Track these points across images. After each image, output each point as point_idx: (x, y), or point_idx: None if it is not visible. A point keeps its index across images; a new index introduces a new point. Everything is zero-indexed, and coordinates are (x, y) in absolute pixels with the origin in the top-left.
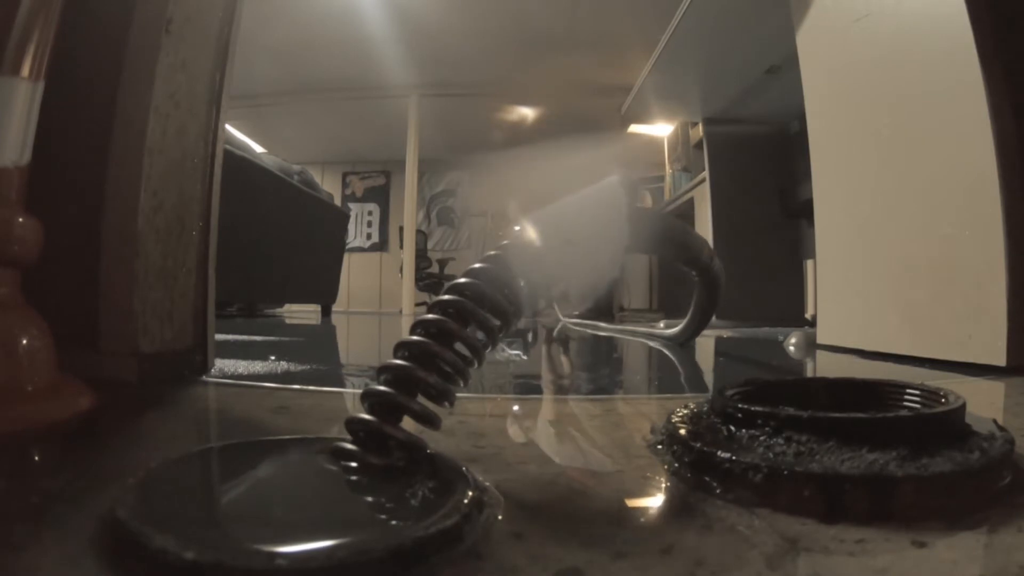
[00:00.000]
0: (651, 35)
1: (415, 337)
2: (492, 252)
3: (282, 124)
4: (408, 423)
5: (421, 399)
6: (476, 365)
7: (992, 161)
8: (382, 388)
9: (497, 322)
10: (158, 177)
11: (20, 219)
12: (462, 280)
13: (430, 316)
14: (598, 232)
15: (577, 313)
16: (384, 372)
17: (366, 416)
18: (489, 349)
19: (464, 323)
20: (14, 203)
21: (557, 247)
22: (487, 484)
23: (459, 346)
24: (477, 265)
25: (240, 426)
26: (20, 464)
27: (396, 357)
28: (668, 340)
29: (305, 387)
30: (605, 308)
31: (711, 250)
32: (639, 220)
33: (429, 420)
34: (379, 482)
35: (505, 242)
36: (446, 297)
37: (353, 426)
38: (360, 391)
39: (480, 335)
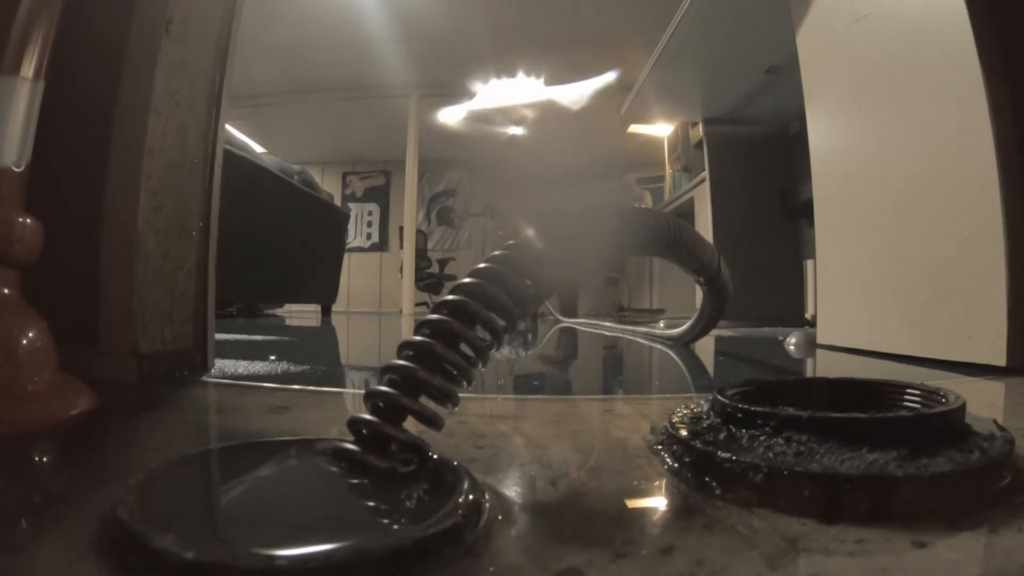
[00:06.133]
0: (651, 35)
1: (419, 337)
2: (497, 252)
3: (282, 124)
4: (410, 423)
5: (424, 399)
6: (480, 366)
7: (992, 161)
8: (385, 388)
9: (502, 323)
10: (158, 177)
11: (20, 219)
12: (467, 280)
13: (434, 316)
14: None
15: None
16: (387, 372)
17: (368, 416)
18: (494, 350)
19: (469, 323)
20: (14, 203)
21: (559, 247)
22: (487, 484)
23: (463, 346)
24: (482, 265)
25: (240, 426)
26: (20, 464)
27: (400, 357)
28: (671, 340)
29: (305, 387)
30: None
31: (720, 260)
32: (646, 223)
33: (431, 421)
34: (379, 483)
35: (510, 242)
36: (451, 297)
37: (355, 426)
38: (360, 391)
39: (485, 335)
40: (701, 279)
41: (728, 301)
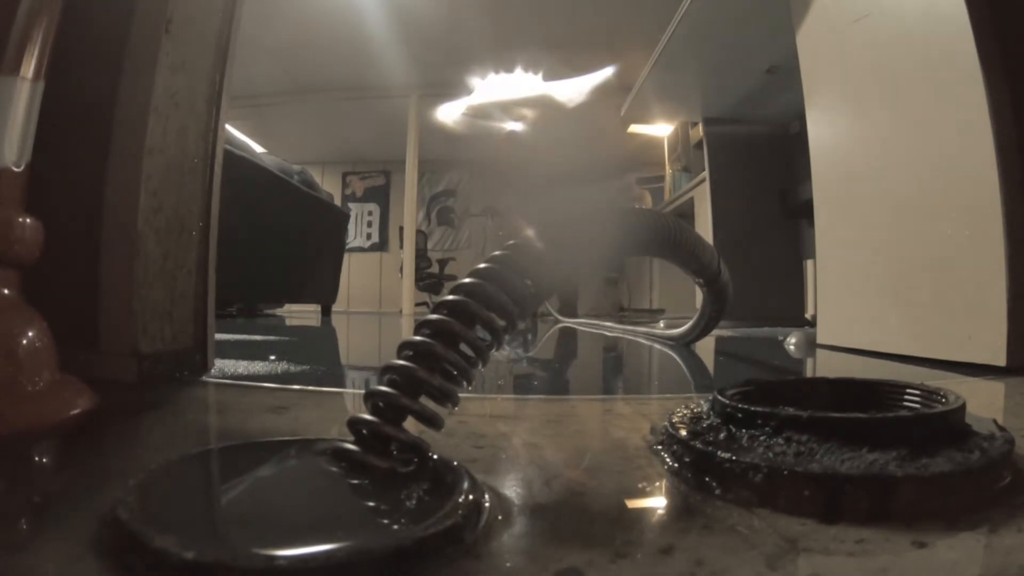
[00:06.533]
0: (651, 35)
1: (419, 337)
2: (497, 252)
3: (282, 124)
4: (410, 423)
5: (424, 399)
6: (480, 366)
7: (992, 161)
8: (385, 388)
9: (502, 323)
10: (158, 177)
11: (20, 219)
12: (467, 280)
13: (434, 316)
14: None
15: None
16: (387, 372)
17: (368, 416)
18: (494, 349)
19: (469, 324)
20: (14, 203)
21: (558, 248)
22: (487, 485)
23: (463, 346)
24: (482, 265)
25: (240, 426)
26: (21, 464)
27: (400, 357)
28: (672, 341)
29: (305, 387)
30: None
31: (720, 261)
32: (647, 224)
33: (431, 421)
34: (379, 483)
35: (510, 242)
36: (451, 297)
37: (355, 426)
38: (360, 391)
39: (484, 335)
40: (701, 280)
41: (728, 302)
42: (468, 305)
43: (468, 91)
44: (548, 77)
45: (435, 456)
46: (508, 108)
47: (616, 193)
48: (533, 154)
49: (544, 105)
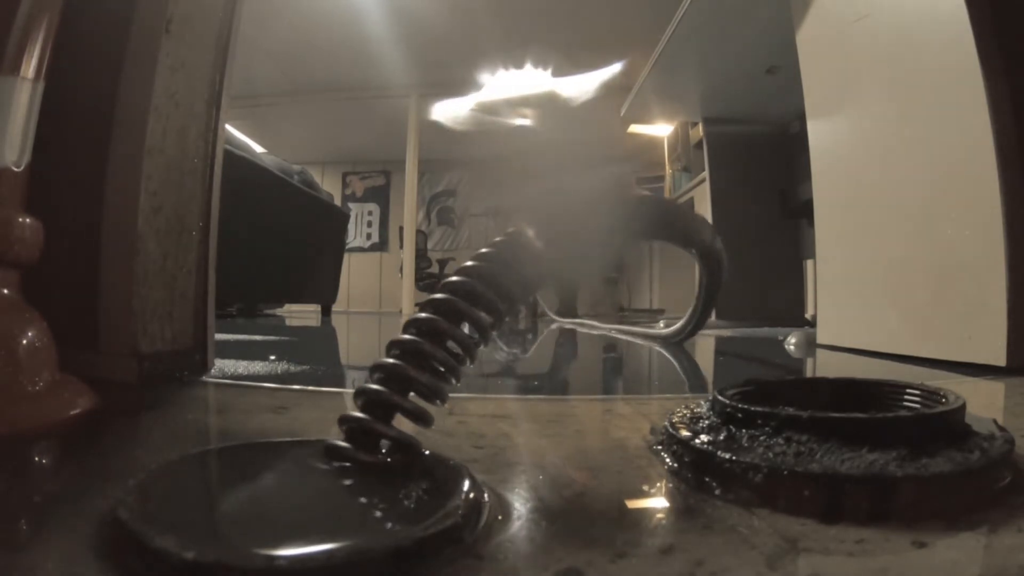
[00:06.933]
0: (651, 35)
1: (407, 336)
2: (485, 249)
3: (282, 124)
4: (405, 423)
5: (414, 396)
6: (468, 363)
7: (992, 161)
8: (374, 386)
9: (489, 320)
10: (158, 177)
11: (20, 219)
12: (455, 278)
13: (422, 315)
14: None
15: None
16: (376, 371)
17: (357, 414)
18: (481, 347)
19: (456, 321)
20: (14, 203)
21: (551, 240)
22: (487, 485)
23: (452, 344)
24: (470, 262)
25: (240, 427)
26: (21, 464)
27: (388, 356)
28: (666, 339)
29: (305, 387)
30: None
31: (714, 231)
32: (637, 207)
33: (420, 418)
34: (379, 483)
35: (498, 239)
36: (438, 296)
37: (345, 423)
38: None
39: (472, 333)
40: (693, 250)
41: (724, 272)
42: (454, 303)
43: (474, 88)
44: (557, 74)
45: (434, 456)
46: (515, 105)
47: (612, 182)
48: (538, 149)
49: (550, 102)
